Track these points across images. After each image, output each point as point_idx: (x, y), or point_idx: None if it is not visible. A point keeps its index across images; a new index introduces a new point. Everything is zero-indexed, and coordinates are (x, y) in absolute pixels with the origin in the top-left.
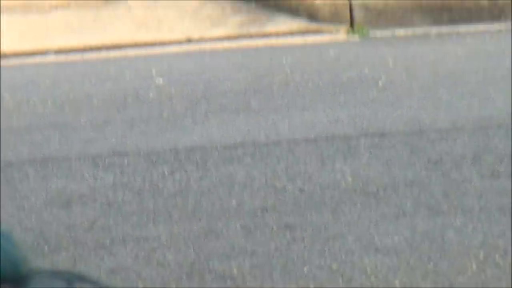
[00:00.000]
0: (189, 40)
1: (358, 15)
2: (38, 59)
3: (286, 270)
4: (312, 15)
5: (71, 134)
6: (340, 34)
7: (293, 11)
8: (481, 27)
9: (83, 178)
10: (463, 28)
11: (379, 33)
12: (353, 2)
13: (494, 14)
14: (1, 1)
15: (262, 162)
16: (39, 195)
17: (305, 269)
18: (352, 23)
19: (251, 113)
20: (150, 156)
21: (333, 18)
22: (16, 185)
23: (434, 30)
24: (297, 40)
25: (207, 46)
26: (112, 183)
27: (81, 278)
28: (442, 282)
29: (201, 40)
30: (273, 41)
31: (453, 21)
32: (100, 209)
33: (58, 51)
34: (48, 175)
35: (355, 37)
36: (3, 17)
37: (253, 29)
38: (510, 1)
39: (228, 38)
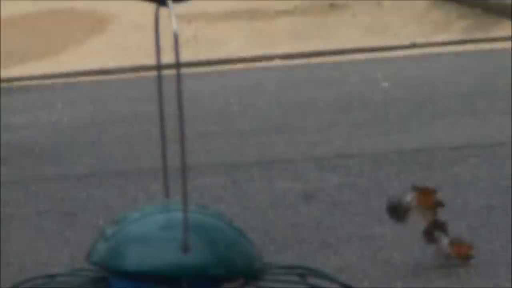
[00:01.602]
0: (413, 45)
1: None
2: (263, 64)
3: None
4: None
5: (296, 137)
6: None
7: None
8: None
9: (308, 179)
10: None
11: None
12: None
13: None
14: (226, 7)
15: (488, 163)
16: (264, 195)
17: None
18: None
19: (476, 115)
20: (375, 157)
21: None
22: (242, 186)
23: None
24: None
25: (432, 50)
26: (337, 184)
27: (314, 272)
28: None
29: (425, 45)
30: (498, 45)
31: None
32: (325, 209)
33: (284, 57)
34: (273, 176)
35: None
36: (231, 22)
37: (478, 34)
38: None
39: (453, 43)
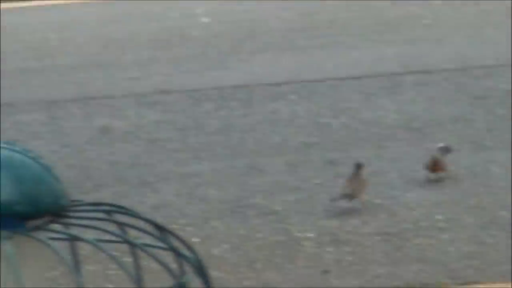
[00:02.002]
0: None
1: None
2: None
3: (329, 205)
4: None
5: (116, 73)
6: None
7: None
8: None
9: (127, 116)
10: None
11: None
12: None
13: None
14: None
15: (307, 99)
16: (82, 132)
17: (349, 204)
18: None
19: (296, 51)
20: (194, 94)
21: None
22: (60, 123)
23: None
24: None
25: None
26: (156, 120)
27: (121, 209)
28: (485, 216)
29: None
30: None
31: None
32: (143, 147)
33: None
34: (92, 113)
35: None
36: None
37: None
38: None
39: None
